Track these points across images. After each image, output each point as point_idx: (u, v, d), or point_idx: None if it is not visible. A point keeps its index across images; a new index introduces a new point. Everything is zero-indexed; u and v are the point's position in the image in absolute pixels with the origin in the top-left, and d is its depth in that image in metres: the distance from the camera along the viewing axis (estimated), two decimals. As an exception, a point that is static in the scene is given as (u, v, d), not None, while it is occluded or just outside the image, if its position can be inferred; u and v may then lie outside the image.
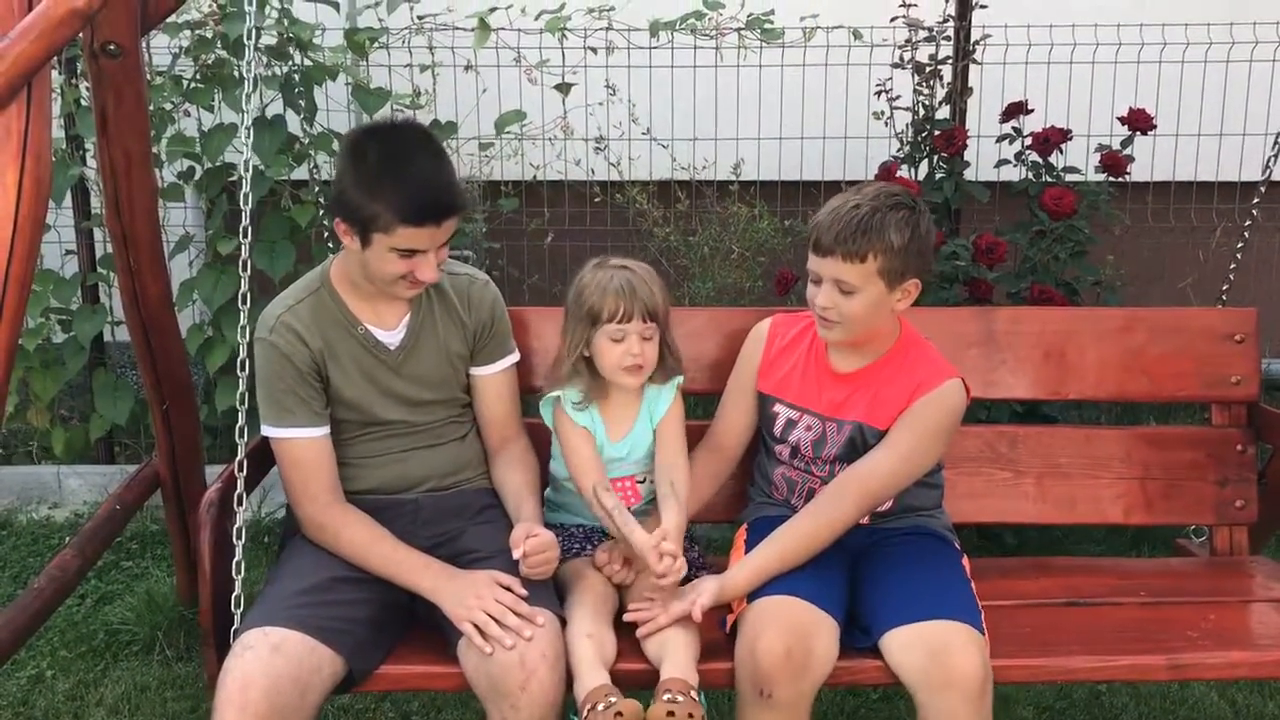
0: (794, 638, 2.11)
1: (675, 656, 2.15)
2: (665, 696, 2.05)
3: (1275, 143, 2.93)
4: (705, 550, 2.59)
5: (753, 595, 2.23)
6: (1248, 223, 2.97)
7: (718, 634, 2.27)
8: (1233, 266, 2.99)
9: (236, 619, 2.16)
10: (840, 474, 2.35)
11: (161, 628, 3.24)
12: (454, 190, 2.25)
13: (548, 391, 2.47)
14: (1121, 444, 2.78)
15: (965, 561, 2.41)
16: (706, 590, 2.23)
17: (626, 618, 2.26)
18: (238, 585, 2.18)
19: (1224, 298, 2.98)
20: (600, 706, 2.03)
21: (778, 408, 2.47)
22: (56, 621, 3.35)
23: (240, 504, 2.20)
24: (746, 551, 2.34)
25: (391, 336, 2.40)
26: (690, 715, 2.03)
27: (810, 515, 2.31)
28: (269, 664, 2.02)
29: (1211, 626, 2.37)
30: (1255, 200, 2.96)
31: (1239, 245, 2.99)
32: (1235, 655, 2.28)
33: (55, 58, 2.16)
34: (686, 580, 2.37)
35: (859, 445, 2.37)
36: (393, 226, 2.20)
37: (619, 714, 2.02)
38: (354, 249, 2.28)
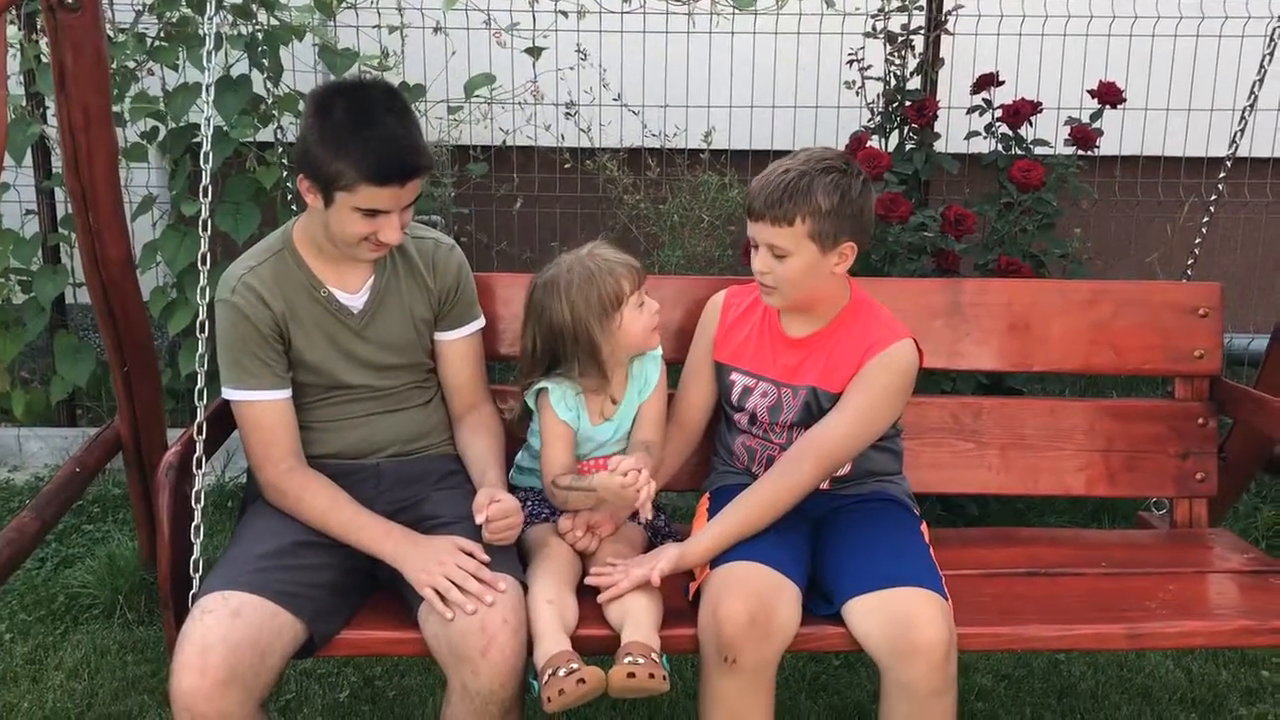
0: (757, 603, 2.11)
1: (637, 621, 2.15)
2: (626, 659, 2.06)
3: (1241, 118, 2.94)
4: (670, 518, 2.59)
5: (715, 562, 2.23)
6: (1213, 197, 2.98)
7: (681, 601, 2.27)
8: (1198, 241, 3.01)
9: (195, 583, 2.14)
10: (798, 440, 2.36)
11: (122, 591, 3.22)
12: (419, 151, 2.22)
13: (529, 383, 2.44)
14: (1085, 416, 2.79)
15: (924, 528, 2.42)
16: (666, 555, 2.24)
17: (588, 581, 2.26)
18: (197, 549, 2.16)
19: (1189, 272, 3.00)
20: (561, 672, 2.03)
21: (734, 376, 2.47)
22: (15, 585, 3.32)
23: (199, 467, 2.18)
24: (709, 519, 2.34)
25: (355, 300, 2.38)
26: (651, 676, 2.03)
27: (769, 481, 2.32)
28: (228, 628, 2.01)
29: (1170, 597, 2.40)
30: (1221, 175, 2.97)
31: (1204, 220, 3.00)
32: (1192, 625, 2.30)
33: (13, 9, 2.12)
34: (651, 548, 2.38)
35: (814, 410, 2.38)
36: (356, 186, 2.17)
37: (581, 680, 2.02)
38: (317, 207, 2.25)
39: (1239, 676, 3.01)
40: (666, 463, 2.51)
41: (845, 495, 2.44)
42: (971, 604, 2.30)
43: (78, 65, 2.54)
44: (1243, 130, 2.92)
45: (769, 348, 2.44)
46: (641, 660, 2.05)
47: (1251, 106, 2.90)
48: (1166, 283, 2.92)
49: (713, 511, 2.36)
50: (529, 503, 2.46)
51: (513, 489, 2.51)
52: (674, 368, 2.69)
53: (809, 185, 2.23)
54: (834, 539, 2.35)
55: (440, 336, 2.48)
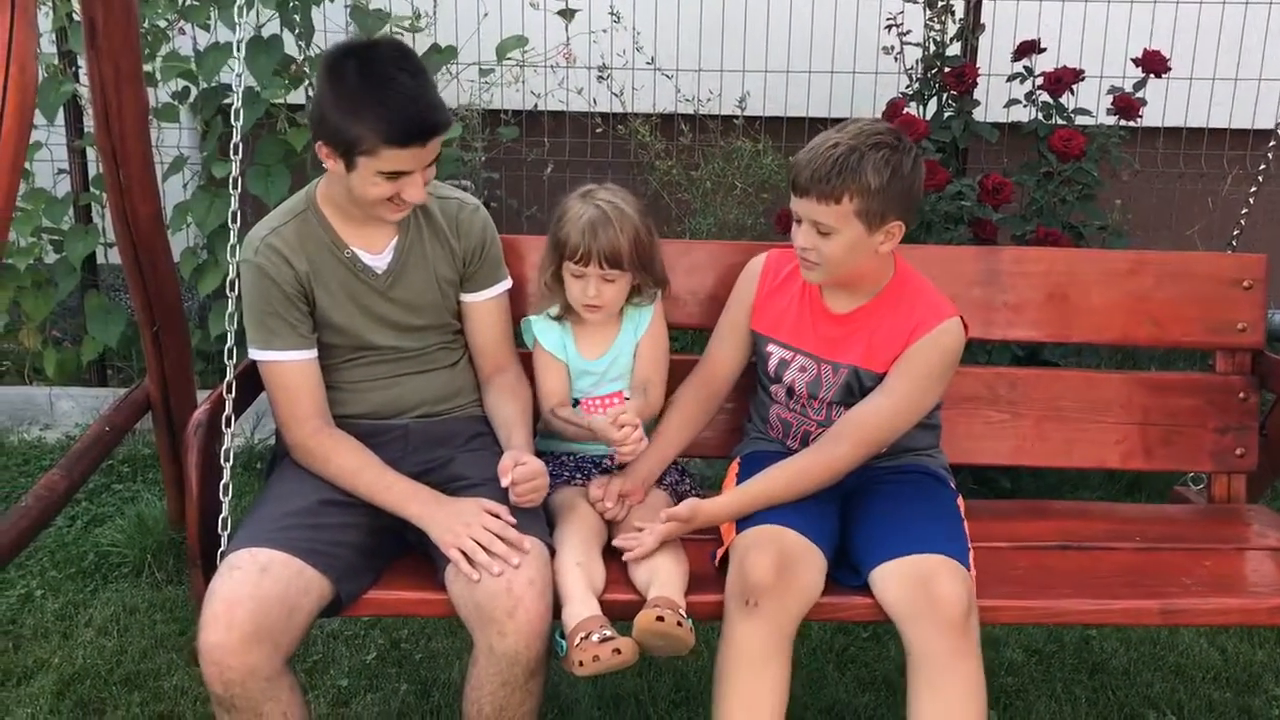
0: (784, 559, 2.10)
1: (663, 582, 2.14)
2: (655, 608, 2.05)
3: (1293, 86, 2.86)
4: (698, 485, 2.57)
5: (742, 525, 2.21)
6: (1262, 166, 2.91)
7: (707, 567, 2.25)
8: (1244, 211, 2.94)
9: (223, 541, 2.14)
10: (839, 419, 2.32)
11: (151, 550, 3.24)
12: (438, 108, 2.18)
13: (531, 312, 2.50)
14: (1123, 389, 2.74)
15: (960, 501, 2.39)
16: (683, 505, 2.23)
17: (616, 543, 2.25)
18: (225, 507, 2.15)
19: (1234, 243, 2.93)
20: (595, 637, 2.02)
21: (771, 347, 2.43)
22: (46, 542, 3.34)
23: (228, 426, 2.18)
24: (738, 485, 2.32)
25: (379, 260, 2.36)
26: (679, 624, 2.03)
27: (805, 456, 2.29)
28: (256, 584, 2.01)
29: (1206, 573, 2.35)
30: (1272, 144, 2.89)
31: (1252, 190, 2.93)
32: (1229, 602, 2.27)
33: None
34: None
35: (855, 391, 2.34)
36: (377, 149, 2.14)
37: (618, 651, 2.00)
38: (338, 172, 2.22)
39: (1275, 656, 2.97)
40: (692, 420, 2.48)
41: (879, 467, 2.40)
42: (1004, 576, 2.27)
43: (108, 20, 2.52)
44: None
45: (809, 320, 2.39)
46: (669, 612, 2.04)
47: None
48: (1210, 254, 2.85)
49: (741, 478, 2.34)
50: (554, 466, 2.45)
51: (540, 454, 2.50)
52: (704, 333, 2.67)
53: (859, 162, 2.15)
54: (864, 510, 2.32)
55: (466, 298, 2.46)
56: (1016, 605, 2.23)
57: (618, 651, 2.00)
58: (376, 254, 2.36)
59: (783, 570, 2.08)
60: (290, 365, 2.29)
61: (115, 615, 3.02)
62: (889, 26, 3.78)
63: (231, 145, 2.19)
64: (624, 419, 2.27)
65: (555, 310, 2.47)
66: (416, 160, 2.18)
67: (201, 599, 2.06)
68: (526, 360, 2.55)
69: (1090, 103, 3.69)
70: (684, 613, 2.08)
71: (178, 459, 3.15)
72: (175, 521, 3.27)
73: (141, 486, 3.70)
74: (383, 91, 2.11)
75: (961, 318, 2.32)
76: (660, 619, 2.02)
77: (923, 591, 2.06)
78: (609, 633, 2.04)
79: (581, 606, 2.08)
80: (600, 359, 2.46)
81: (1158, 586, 2.29)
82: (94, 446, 2.98)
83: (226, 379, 2.19)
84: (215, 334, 3.80)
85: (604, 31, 4.10)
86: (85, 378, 4.24)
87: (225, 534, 2.15)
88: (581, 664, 2.01)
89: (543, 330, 2.48)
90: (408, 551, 2.27)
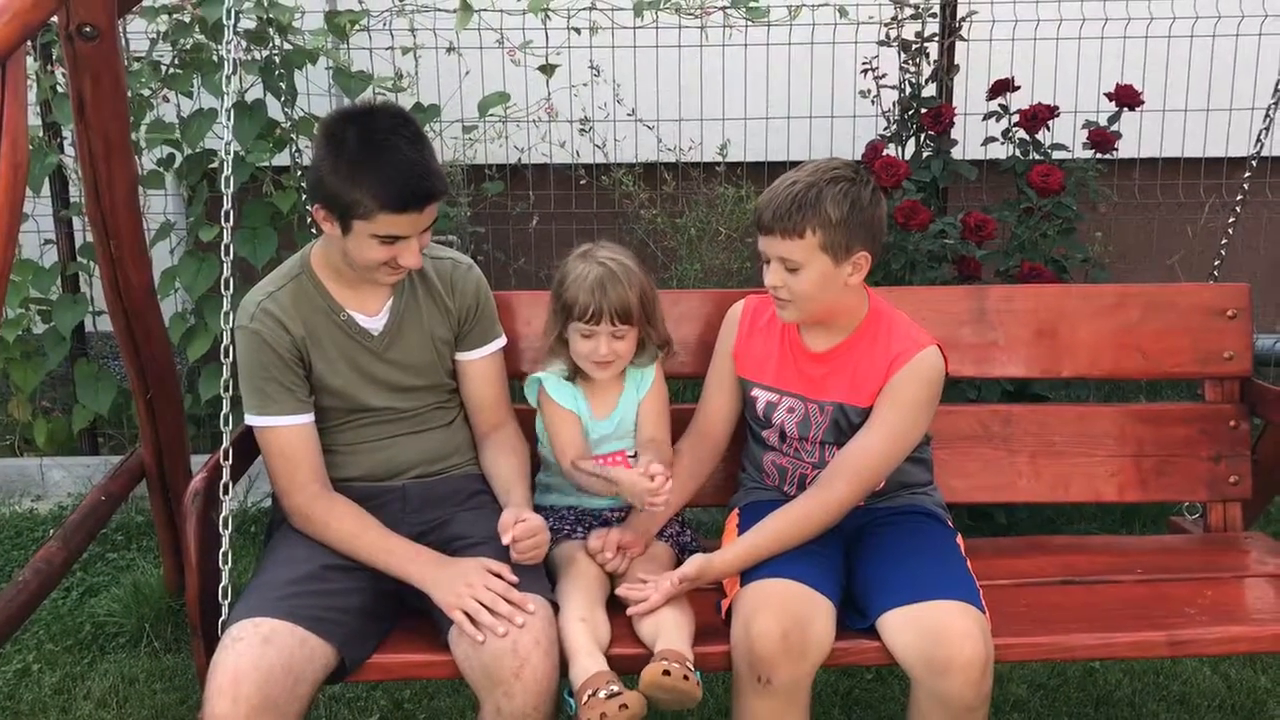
0: (790, 621, 2.09)
1: (670, 635, 2.13)
2: (661, 662, 2.04)
3: (1266, 117, 2.91)
4: (697, 532, 2.57)
5: (746, 577, 2.21)
6: (1239, 197, 2.95)
7: (714, 618, 2.25)
8: (1224, 242, 2.98)
9: (224, 610, 2.13)
10: (832, 459, 2.33)
11: (149, 619, 3.21)
12: (435, 175, 2.21)
13: (533, 371, 2.49)
14: (1115, 421, 2.76)
15: (960, 540, 2.39)
16: (692, 563, 2.23)
17: (619, 592, 2.25)
18: (225, 576, 2.14)
19: (1216, 273, 2.97)
20: (602, 694, 2.01)
21: (756, 391, 2.45)
22: (42, 615, 3.31)
23: (226, 493, 2.17)
24: (739, 535, 2.32)
25: (374, 322, 2.37)
26: (685, 678, 2.02)
27: (803, 499, 2.30)
28: (260, 655, 1.99)
29: (1208, 603, 2.37)
30: (1246, 174, 2.94)
31: (1230, 220, 2.97)
32: (1233, 630, 2.28)
33: (30, 41, 2.12)
34: (679, 564, 2.36)
35: (844, 427, 2.36)
36: (374, 214, 2.16)
37: (624, 706, 1.99)
38: (334, 235, 2.24)
39: (1279, 681, 2.97)
40: (692, 473, 2.49)
41: (879, 508, 2.42)
42: (1008, 614, 2.28)
43: (97, 94, 2.54)
44: (1268, 128, 2.89)
45: (791, 362, 2.42)
46: (676, 665, 2.03)
47: (1277, 104, 2.87)
48: (1194, 284, 2.89)
49: (742, 528, 2.34)
50: (553, 521, 2.45)
51: (538, 508, 2.49)
52: (697, 381, 2.68)
53: (818, 196, 2.21)
54: (868, 552, 2.32)
55: (461, 356, 2.47)
56: (1023, 643, 2.23)
57: (624, 707, 1.99)
58: (372, 316, 2.37)
59: (791, 633, 2.08)
60: (288, 431, 2.29)
61: (114, 686, 2.99)
62: (865, 70, 3.83)
63: (223, 213, 2.20)
64: (654, 468, 2.24)
65: (565, 371, 2.46)
66: (412, 226, 2.20)
67: (204, 670, 2.05)
68: (523, 417, 2.56)
69: (1066, 138, 3.74)
70: (691, 666, 2.07)
71: (174, 526, 3.14)
72: (172, 589, 3.24)
73: (136, 554, 3.67)
74: (381, 157, 2.14)
75: (940, 346, 2.34)
76: (667, 673, 2.01)
77: (939, 645, 2.06)
78: (616, 688, 2.03)
79: (589, 661, 2.07)
80: (607, 419, 2.46)
81: (1163, 618, 2.30)
82: (90, 516, 2.96)
83: (223, 446, 2.18)
84: (206, 398, 3.80)
85: (584, 85, 4.14)
86: (76, 447, 4.22)
87: (226, 603, 2.14)
88: None
89: (555, 388, 2.45)
90: (411, 613, 2.25)
